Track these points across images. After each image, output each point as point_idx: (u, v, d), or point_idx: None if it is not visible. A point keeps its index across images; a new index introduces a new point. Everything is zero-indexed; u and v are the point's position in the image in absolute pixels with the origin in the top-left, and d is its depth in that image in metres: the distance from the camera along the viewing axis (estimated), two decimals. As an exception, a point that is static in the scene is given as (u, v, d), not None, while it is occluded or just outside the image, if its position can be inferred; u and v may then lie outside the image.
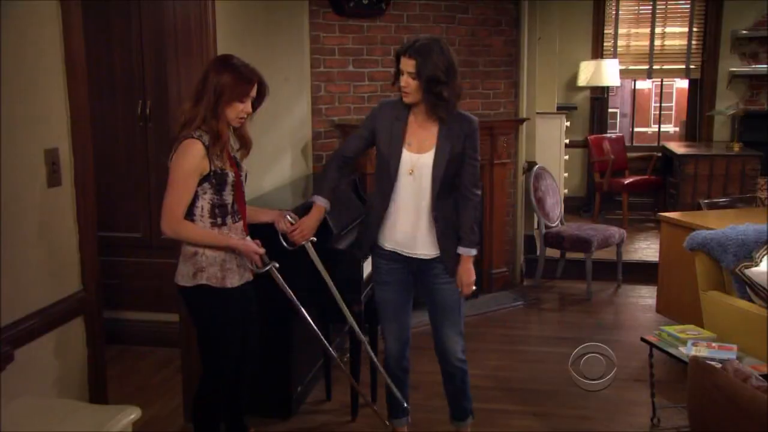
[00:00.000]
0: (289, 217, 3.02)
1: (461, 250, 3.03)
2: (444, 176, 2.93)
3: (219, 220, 2.74)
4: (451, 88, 2.85)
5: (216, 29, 3.44)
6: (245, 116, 2.75)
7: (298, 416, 3.74)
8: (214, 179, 2.69)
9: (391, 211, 3.02)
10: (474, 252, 3.06)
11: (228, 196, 2.74)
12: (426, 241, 3.02)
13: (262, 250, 2.82)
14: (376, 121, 3.04)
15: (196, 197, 2.69)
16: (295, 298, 2.98)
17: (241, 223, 2.83)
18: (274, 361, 3.56)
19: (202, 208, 2.71)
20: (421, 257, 3.05)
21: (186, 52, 3.39)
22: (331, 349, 3.36)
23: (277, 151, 4.47)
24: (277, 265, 2.88)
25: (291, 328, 3.59)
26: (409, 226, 3.01)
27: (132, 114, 4.46)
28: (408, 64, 2.84)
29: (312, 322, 3.08)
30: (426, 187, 2.95)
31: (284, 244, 3.03)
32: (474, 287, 3.10)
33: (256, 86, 2.74)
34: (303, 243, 3.04)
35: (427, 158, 2.93)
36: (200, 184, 2.67)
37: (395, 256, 3.08)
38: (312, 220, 3.06)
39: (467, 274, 3.05)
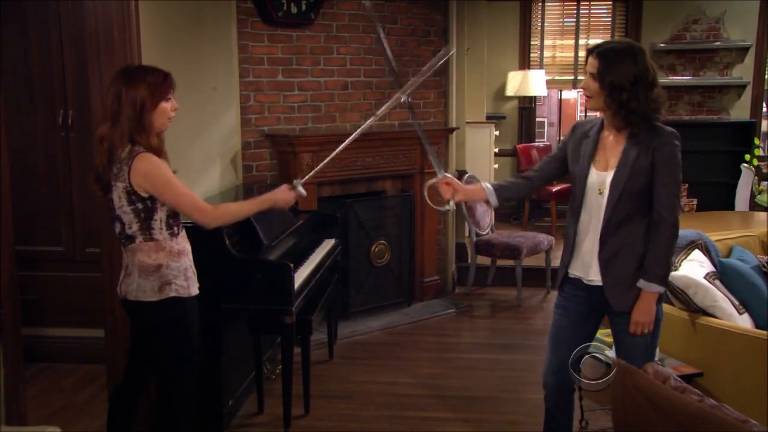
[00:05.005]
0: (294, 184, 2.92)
1: (640, 282, 2.62)
2: (621, 194, 2.60)
3: (175, 229, 2.71)
4: (640, 98, 2.56)
5: (140, 33, 3.36)
6: (174, 113, 2.71)
7: (229, 430, 3.68)
8: None
9: (578, 234, 2.77)
10: (656, 288, 2.61)
11: None
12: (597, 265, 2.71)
13: (293, 194, 2.86)
14: (568, 140, 2.82)
15: (154, 210, 2.63)
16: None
17: (184, 232, 2.81)
18: (204, 375, 3.49)
19: (161, 221, 2.66)
20: (596, 284, 2.72)
21: (109, 57, 3.28)
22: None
23: (206, 162, 4.39)
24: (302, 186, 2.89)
25: (221, 341, 3.53)
26: (590, 250, 2.72)
27: (53, 123, 4.31)
28: (591, 64, 2.62)
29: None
30: None
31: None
32: (647, 330, 2.66)
33: (171, 78, 2.69)
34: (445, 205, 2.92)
35: (611, 175, 2.64)
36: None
37: (579, 284, 2.79)
38: (470, 188, 3.01)
39: (640, 311, 2.63)
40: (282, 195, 2.85)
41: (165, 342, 2.77)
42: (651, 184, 2.60)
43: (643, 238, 2.64)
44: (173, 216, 2.70)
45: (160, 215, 2.65)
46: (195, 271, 2.81)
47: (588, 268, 2.74)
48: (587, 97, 2.67)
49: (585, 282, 2.77)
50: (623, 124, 2.63)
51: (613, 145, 2.68)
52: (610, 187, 2.63)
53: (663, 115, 2.64)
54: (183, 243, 2.75)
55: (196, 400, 3.19)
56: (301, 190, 2.86)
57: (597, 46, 2.65)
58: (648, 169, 2.59)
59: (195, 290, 2.76)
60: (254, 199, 2.86)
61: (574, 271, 2.81)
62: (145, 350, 2.84)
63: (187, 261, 2.75)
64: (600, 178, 2.68)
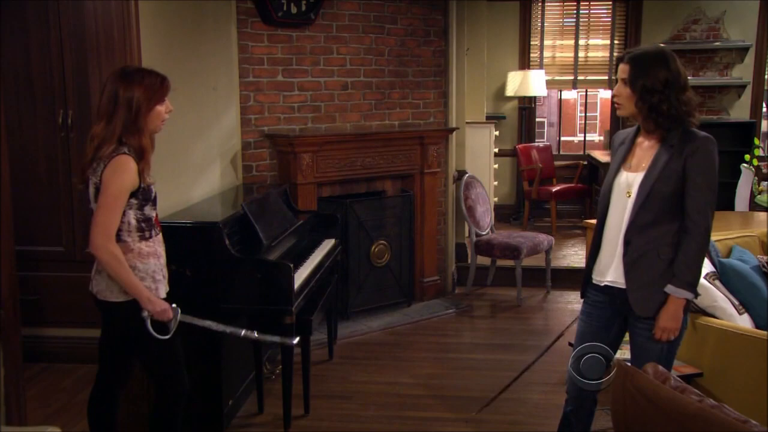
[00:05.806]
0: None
1: (668, 288, 2.59)
2: (649, 196, 2.58)
3: (147, 233, 2.69)
4: (671, 101, 2.55)
5: (140, 33, 3.36)
6: (168, 115, 2.71)
7: (229, 430, 3.68)
8: (141, 195, 2.64)
9: (603, 238, 2.76)
10: (684, 294, 2.58)
11: (151, 212, 2.70)
12: (620, 267, 2.68)
13: (170, 312, 2.70)
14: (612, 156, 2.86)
15: (122, 213, 2.62)
16: (214, 325, 2.89)
17: (160, 235, 2.78)
18: (203, 375, 3.49)
19: (129, 224, 2.64)
20: (611, 284, 2.72)
21: (109, 57, 3.30)
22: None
23: (206, 162, 4.39)
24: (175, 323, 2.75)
25: (220, 341, 3.53)
26: (612, 250, 2.71)
27: (53, 123, 4.30)
28: (622, 70, 2.63)
29: (244, 331, 2.97)
30: None
31: (152, 331, 2.69)
32: (672, 336, 2.62)
33: (168, 82, 2.69)
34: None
35: (640, 176, 2.64)
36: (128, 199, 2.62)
37: (602, 288, 2.77)
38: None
39: (667, 316, 2.60)
40: (163, 305, 2.69)
41: (141, 343, 2.75)
42: (681, 188, 2.58)
43: (670, 242, 2.61)
44: (146, 220, 2.68)
45: (128, 218, 2.63)
46: (166, 274, 2.78)
47: (608, 269, 2.73)
48: (618, 104, 2.68)
49: (605, 283, 2.75)
50: (653, 127, 2.63)
51: (646, 149, 2.68)
52: (638, 188, 2.62)
53: (696, 118, 2.62)
54: (155, 246, 2.73)
55: (193, 398, 3.20)
56: (177, 314, 2.74)
57: (628, 52, 2.67)
58: (679, 173, 2.56)
59: (163, 293, 2.74)
60: (140, 283, 2.65)
61: (596, 276, 2.80)
62: (118, 350, 2.84)
63: (156, 263, 2.72)
64: (629, 180, 2.68)
